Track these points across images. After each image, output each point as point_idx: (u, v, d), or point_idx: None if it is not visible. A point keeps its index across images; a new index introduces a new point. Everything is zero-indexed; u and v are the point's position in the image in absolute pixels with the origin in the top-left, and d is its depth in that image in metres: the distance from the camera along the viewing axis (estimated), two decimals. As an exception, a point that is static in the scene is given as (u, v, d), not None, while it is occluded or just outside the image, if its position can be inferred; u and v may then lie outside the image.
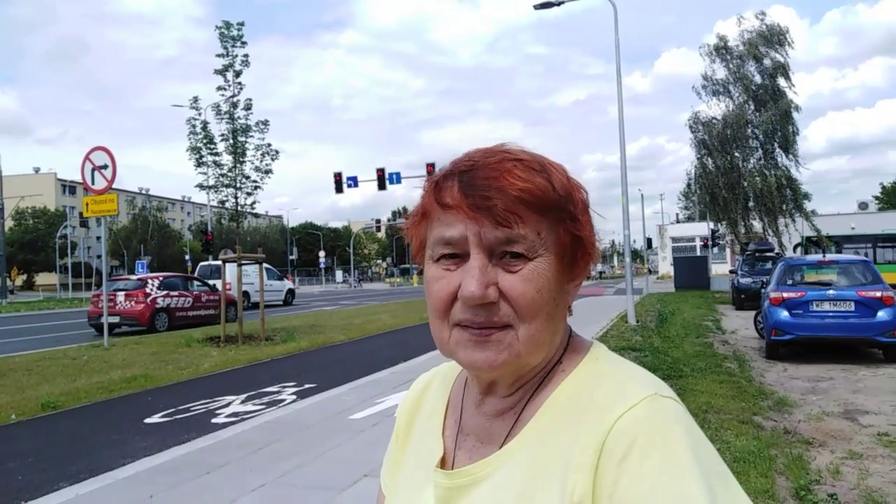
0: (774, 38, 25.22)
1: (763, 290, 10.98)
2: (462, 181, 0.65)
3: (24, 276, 69.99)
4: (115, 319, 16.25)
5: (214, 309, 18.23)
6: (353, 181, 28.12)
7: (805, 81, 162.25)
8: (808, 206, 27.60)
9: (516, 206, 0.63)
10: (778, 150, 25.34)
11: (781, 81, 25.32)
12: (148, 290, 17.18)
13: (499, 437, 0.71)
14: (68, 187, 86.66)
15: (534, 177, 0.65)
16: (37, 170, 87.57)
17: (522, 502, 0.65)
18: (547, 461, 0.65)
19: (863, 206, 47.32)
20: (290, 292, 30.06)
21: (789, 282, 9.73)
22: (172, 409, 7.23)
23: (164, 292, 17.62)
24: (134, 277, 19.23)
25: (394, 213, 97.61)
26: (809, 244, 23.09)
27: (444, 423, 0.80)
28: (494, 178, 0.64)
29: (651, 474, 0.58)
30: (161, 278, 18.28)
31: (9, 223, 57.27)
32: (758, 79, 25.46)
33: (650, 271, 52.75)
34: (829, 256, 10.54)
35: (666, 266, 53.27)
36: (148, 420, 6.83)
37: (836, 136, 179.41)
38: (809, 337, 9.16)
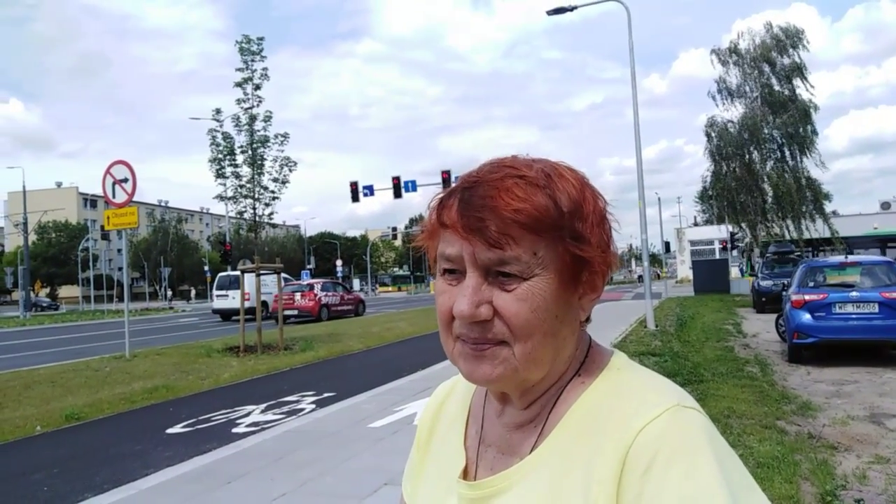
0: (789, 40, 24.99)
1: (784, 293, 10.84)
2: (461, 200, 0.66)
3: (48, 289, 71.07)
4: (294, 312, 22.82)
5: (351, 305, 25.87)
6: (370, 190, 28.25)
7: (827, 80, 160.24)
8: (829, 206, 27.29)
9: (509, 227, 0.63)
10: (797, 151, 25.06)
11: (798, 83, 25.07)
12: (315, 292, 24.10)
13: (520, 449, 0.71)
14: (90, 201, 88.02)
15: (533, 195, 0.64)
16: (59, 184, 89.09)
17: None
18: (569, 473, 0.65)
19: (885, 205, 46.46)
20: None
21: (811, 284, 9.60)
22: (194, 420, 7.29)
23: (325, 293, 24.46)
24: (304, 282, 27.08)
25: (410, 221, 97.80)
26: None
27: (465, 432, 0.80)
28: (491, 197, 0.64)
29: (675, 486, 0.58)
30: (322, 283, 25.67)
31: (32, 237, 58.24)
32: (773, 81, 25.23)
33: (658, 276, 51.90)
34: (852, 257, 10.38)
35: (685, 269, 52.76)
36: (170, 430, 6.89)
37: (859, 135, 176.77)
38: (832, 340, 9.01)
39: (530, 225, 0.63)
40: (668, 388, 0.67)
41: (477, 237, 0.64)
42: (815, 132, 25.04)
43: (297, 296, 23.74)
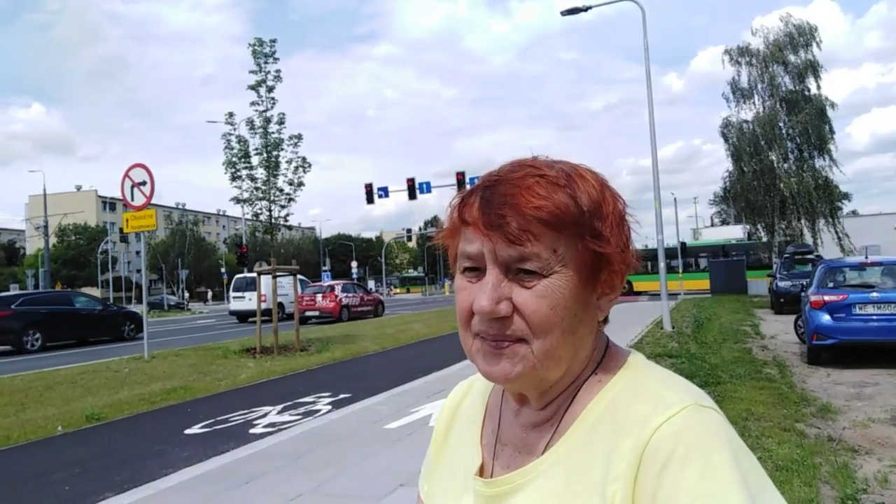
0: (802, 37, 24.69)
1: (803, 294, 10.72)
2: (483, 198, 0.67)
3: (68, 291, 71.93)
4: (315, 314, 23.58)
5: (370, 306, 26.35)
6: (384, 191, 28.35)
7: (849, 77, 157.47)
8: (849, 206, 26.98)
9: (530, 224, 0.64)
10: (813, 150, 24.76)
11: (812, 81, 24.77)
12: (336, 293, 24.61)
13: (536, 448, 0.71)
14: (108, 204, 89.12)
15: (554, 193, 0.65)
16: (78, 187, 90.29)
17: None
18: (586, 471, 0.65)
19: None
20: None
21: (830, 284, 9.49)
22: (211, 420, 7.36)
23: (345, 294, 25.04)
24: (325, 284, 27.73)
25: (425, 223, 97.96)
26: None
27: (482, 431, 0.81)
28: (512, 195, 0.65)
29: (691, 484, 0.58)
30: (342, 284, 26.31)
31: (52, 240, 59.07)
32: (787, 80, 24.95)
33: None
34: (872, 258, 10.24)
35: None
36: (188, 431, 6.96)
37: (881, 133, 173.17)
38: (853, 341, 8.89)
39: (551, 222, 0.64)
40: (686, 388, 0.67)
41: (497, 234, 0.65)
42: (832, 130, 24.73)
43: (319, 297, 24.37)
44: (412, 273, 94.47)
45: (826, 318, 8.98)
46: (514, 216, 0.64)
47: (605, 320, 0.73)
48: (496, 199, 0.65)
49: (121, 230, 26.26)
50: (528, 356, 0.66)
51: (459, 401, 0.88)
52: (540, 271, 0.65)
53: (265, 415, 7.56)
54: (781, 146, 24.97)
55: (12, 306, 16.90)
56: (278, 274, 13.90)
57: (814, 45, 24.75)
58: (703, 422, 0.62)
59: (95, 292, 65.77)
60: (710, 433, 0.61)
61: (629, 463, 0.62)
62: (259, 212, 14.26)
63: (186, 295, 62.87)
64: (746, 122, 25.44)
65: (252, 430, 6.80)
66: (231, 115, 13.89)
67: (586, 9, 16.50)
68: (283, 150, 13.99)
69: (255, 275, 14.91)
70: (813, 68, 24.65)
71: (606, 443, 0.65)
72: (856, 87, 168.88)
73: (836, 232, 24.43)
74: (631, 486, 0.61)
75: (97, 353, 15.22)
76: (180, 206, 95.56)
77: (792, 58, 24.74)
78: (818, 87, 24.70)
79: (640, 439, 0.62)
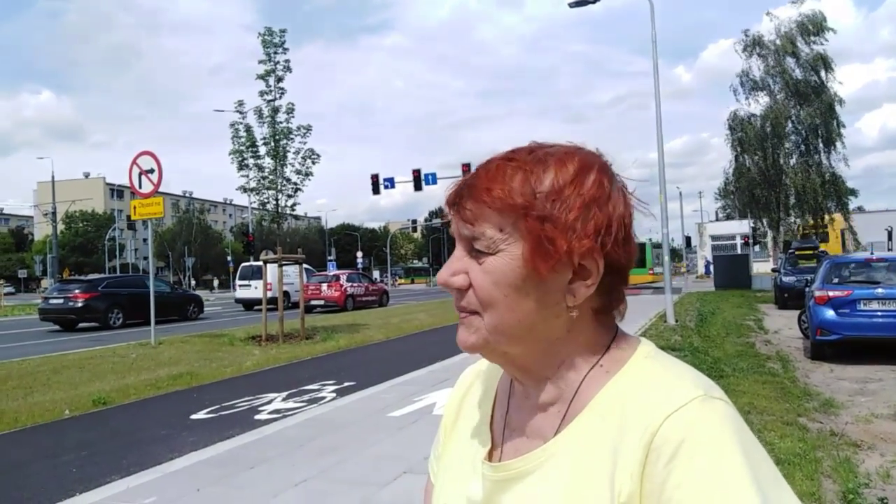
0: (814, 28, 24.45)
1: (807, 289, 10.70)
2: (458, 183, 0.73)
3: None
4: (321, 303, 23.79)
5: (375, 296, 26.47)
6: (390, 182, 28.34)
7: (861, 71, 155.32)
8: (856, 202, 26.91)
9: (479, 204, 0.68)
10: (821, 145, 24.60)
11: (823, 74, 24.55)
12: (342, 282, 24.84)
13: (544, 433, 0.72)
14: (116, 191, 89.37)
15: (512, 178, 0.68)
16: (87, 175, 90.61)
17: (570, 498, 0.66)
18: (593, 461, 0.66)
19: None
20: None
21: (835, 280, 9.46)
22: (217, 406, 7.42)
23: (350, 283, 25.23)
24: (331, 273, 27.91)
25: (430, 214, 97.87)
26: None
27: (491, 415, 0.81)
28: (474, 179, 0.70)
29: (700, 475, 0.58)
30: (348, 274, 26.62)
31: (60, 226, 59.31)
32: (798, 73, 24.73)
33: (686, 271, 50.93)
34: (878, 254, 10.21)
35: (703, 265, 52.07)
36: (194, 416, 7.03)
37: (891, 128, 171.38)
38: (857, 337, 8.88)
39: (496, 204, 0.67)
40: (696, 378, 0.67)
41: (457, 213, 0.70)
42: (841, 125, 24.56)
43: (324, 286, 24.56)
44: (417, 264, 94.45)
45: (830, 313, 8.97)
46: (468, 198, 0.69)
47: (611, 311, 0.73)
48: (466, 182, 0.71)
49: (128, 217, 26.35)
50: (480, 328, 0.70)
51: (469, 385, 0.89)
52: (486, 250, 0.68)
53: (270, 401, 7.62)
54: (789, 140, 24.83)
55: (99, 288, 19.29)
56: (284, 263, 13.94)
57: (822, 36, 24.51)
58: (713, 413, 0.62)
59: (102, 279, 66.03)
60: (719, 424, 0.61)
61: (637, 455, 0.62)
62: (266, 201, 14.25)
63: (193, 283, 63.13)
64: (754, 115, 25.29)
65: (257, 417, 6.86)
66: (241, 103, 13.85)
67: (594, 0, 16.41)
68: (291, 140, 13.96)
69: (261, 263, 14.97)
70: (824, 61, 24.44)
71: (615, 434, 0.65)
72: (867, 81, 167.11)
73: (850, 225, 24.33)
74: (639, 477, 0.61)
75: (164, 331, 15.37)
76: (187, 195, 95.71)
77: (804, 48, 24.53)
78: (830, 80, 24.53)
79: (649, 430, 0.62)
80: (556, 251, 0.66)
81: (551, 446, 0.70)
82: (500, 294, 0.68)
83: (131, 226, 56.78)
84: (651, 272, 43.96)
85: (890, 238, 25.11)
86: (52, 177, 42.97)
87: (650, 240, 34.74)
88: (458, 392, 0.90)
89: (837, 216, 24.67)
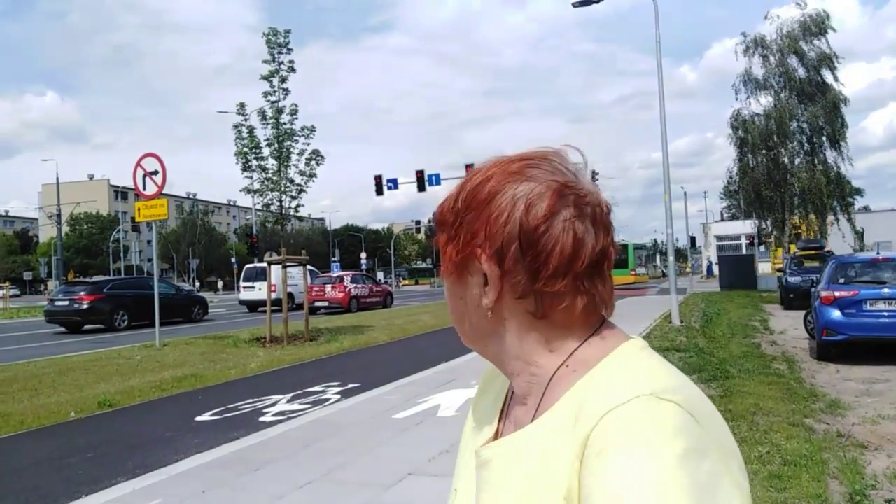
0: (817, 27, 24.33)
1: (813, 289, 10.66)
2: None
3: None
4: (325, 304, 23.79)
5: (379, 297, 26.55)
6: (394, 183, 28.33)
7: (867, 70, 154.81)
8: (861, 202, 26.83)
9: (435, 221, 0.77)
10: (826, 144, 24.50)
11: (827, 73, 24.46)
12: (346, 283, 24.86)
13: (522, 421, 0.75)
14: (120, 193, 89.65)
15: (451, 193, 0.76)
16: (91, 176, 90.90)
17: (523, 490, 0.67)
18: (550, 453, 0.66)
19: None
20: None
21: (841, 280, 9.43)
22: (222, 408, 7.43)
23: (354, 284, 25.30)
24: (335, 275, 27.88)
25: (434, 215, 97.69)
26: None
27: (503, 408, 0.85)
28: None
29: (623, 474, 0.57)
30: (351, 275, 26.87)
31: (65, 228, 59.54)
32: (801, 72, 24.62)
33: (691, 271, 50.67)
34: (884, 254, 10.17)
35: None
36: (199, 418, 7.04)
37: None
38: (863, 337, 8.84)
39: (437, 221, 0.77)
40: (656, 378, 0.65)
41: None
42: (845, 125, 24.45)
43: (328, 287, 24.54)
44: (421, 265, 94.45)
45: (836, 313, 8.94)
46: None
47: (552, 313, 0.71)
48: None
49: (132, 219, 26.49)
50: (461, 330, 0.79)
51: (488, 382, 0.92)
52: (442, 260, 0.76)
53: (275, 403, 7.62)
54: (793, 139, 24.74)
55: (104, 290, 19.32)
56: (288, 264, 13.97)
57: (826, 34, 24.37)
58: (655, 413, 0.60)
59: (107, 281, 66.29)
60: (656, 425, 0.59)
61: (576, 450, 0.62)
62: (270, 202, 14.26)
63: (197, 284, 63.28)
64: (758, 114, 25.21)
65: (262, 418, 6.86)
66: (242, 106, 13.85)
67: (598, 0, 16.40)
68: (295, 141, 13.95)
69: (265, 265, 14.99)
70: (828, 60, 24.34)
71: (570, 430, 0.65)
72: (872, 80, 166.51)
73: (854, 226, 24.23)
74: (577, 473, 0.61)
75: (168, 333, 15.29)
76: (191, 196, 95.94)
77: (806, 47, 24.42)
78: (834, 79, 24.42)
79: (588, 426, 0.62)
80: (447, 258, 0.75)
81: (521, 433, 0.72)
82: (449, 298, 0.78)
83: (136, 227, 56.95)
84: (633, 273, 44.00)
85: None
86: (57, 179, 43.06)
87: (641, 243, 34.74)
88: (481, 384, 0.95)
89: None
